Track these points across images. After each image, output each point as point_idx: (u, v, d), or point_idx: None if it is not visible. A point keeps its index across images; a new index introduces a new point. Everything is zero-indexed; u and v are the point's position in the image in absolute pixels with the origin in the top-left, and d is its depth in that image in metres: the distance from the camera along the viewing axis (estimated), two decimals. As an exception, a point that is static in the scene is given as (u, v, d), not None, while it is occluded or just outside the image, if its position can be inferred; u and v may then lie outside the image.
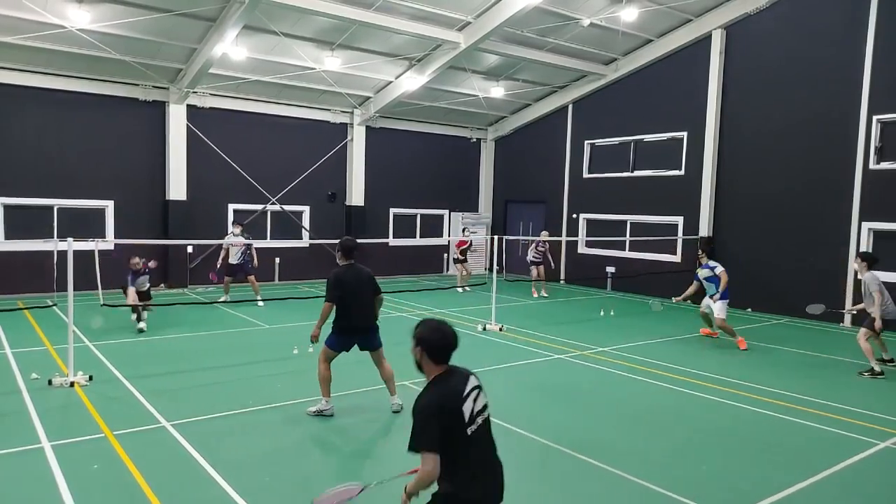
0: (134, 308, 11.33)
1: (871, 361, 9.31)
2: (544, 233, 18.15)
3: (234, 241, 14.25)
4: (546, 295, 17.08)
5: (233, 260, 14.26)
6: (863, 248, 13.17)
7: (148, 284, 11.77)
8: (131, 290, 11.17)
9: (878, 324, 9.14)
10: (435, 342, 3.35)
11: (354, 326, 7.00)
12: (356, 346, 7.13)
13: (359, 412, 7.13)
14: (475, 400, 3.32)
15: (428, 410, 3.19)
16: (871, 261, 9.54)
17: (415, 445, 3.17)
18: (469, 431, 3.24)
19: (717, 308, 10.96)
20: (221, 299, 14.06)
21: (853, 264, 10.05)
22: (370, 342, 7.12)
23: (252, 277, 14.34)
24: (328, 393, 6.99)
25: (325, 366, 7.00)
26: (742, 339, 10.86)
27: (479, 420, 3.31)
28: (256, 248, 15.43)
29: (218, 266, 14.46)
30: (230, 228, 14.98)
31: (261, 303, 13.60)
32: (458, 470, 3.21)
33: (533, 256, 17.23)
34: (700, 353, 10.47)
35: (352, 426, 6.68)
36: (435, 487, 3.26)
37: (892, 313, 9.37)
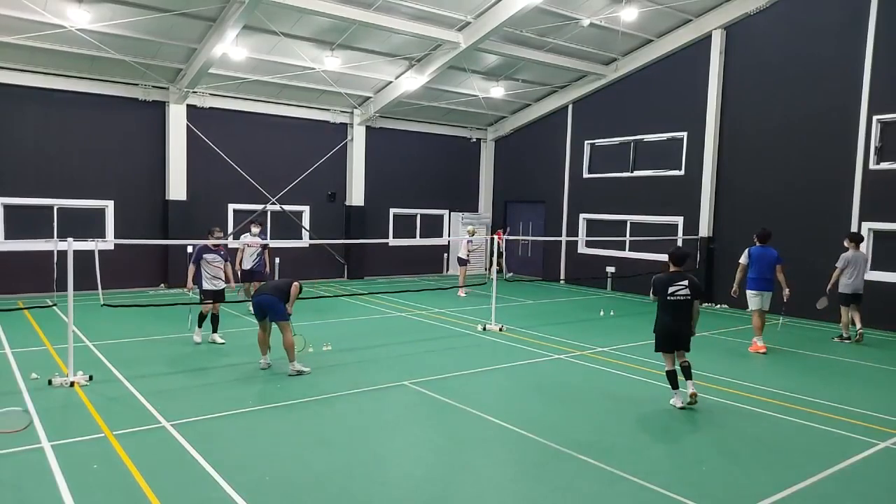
0: (203, 310, 9.92)
1: (843, 331, 11.68)
2: (470, 227, 17.63)
3: (249, 242, 13.02)
4: (465, 294, 16.38)
5: (246, 265, 13.08)
6: (862, 248, 13.19)
7: (222, 282, 10.03)
8: (191, 270, 9.71)
9: (829, 286, 11.63)
10: (673, 255, 7.47)
11: (257, 297, 8.58)
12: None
13: (367, 411, 7.13)
14: (679, 288, 7.25)
15: (653, 280, 7.44)
16: (857, 240, 11.61)
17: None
18: (669, 298, 7.24)
19: None
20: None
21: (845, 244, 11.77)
22: (273, 315, 8.47)
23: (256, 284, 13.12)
24: (264, 352, 8.75)
25: (259, 332, 8.69)
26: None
27: (677, 297, 7.22)
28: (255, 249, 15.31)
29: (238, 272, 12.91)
30: (251, 229, 13.48)
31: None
32: (660, 313, 7.44)
33: (466, 255, 16.86)
34: (699, 354, 10.44)
35: (356, 426, 6.67)
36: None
37: (848, 286, 11.46)
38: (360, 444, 6.17)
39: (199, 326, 10.19)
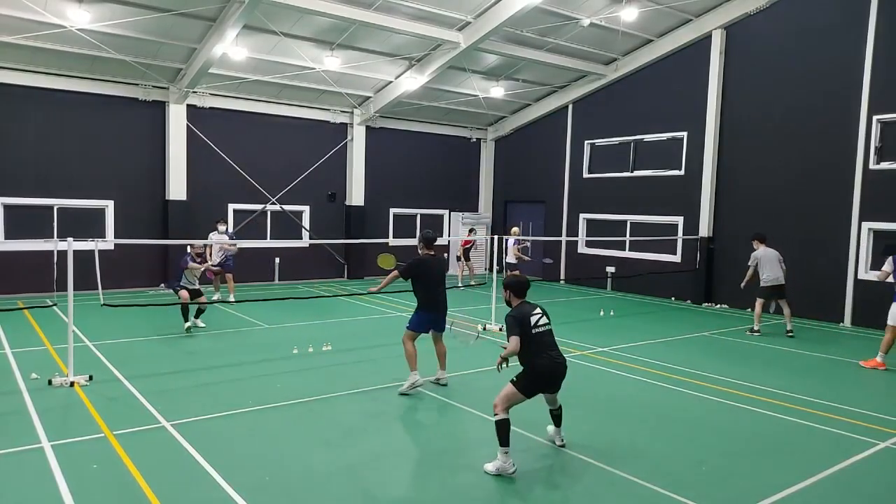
0: (183, 309, 11.09)
1: (755, 323, 12.20)
2: (515, 228, 17.00)
3: (216, 240, 13.91)
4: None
5: (215, 259, 13.95)
6: (863, 249, 13.23)
7: (197, 283, 11.49)
8: (183, 293, 11.05)
9: (743, 283, 12.30)
10: (516, 286, 5.89)
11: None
12: None
13: (367, 411, 7.13)
14: (539, 318, 5.73)
15: (510, 318, 5.66)
16: (762, 238, 12.24)
17: (507, 336, 5.58)
18: (534, 332, 5.63)
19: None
20: (215, 297, 14.10)
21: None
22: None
23: (230, 276, 14.29)
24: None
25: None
26: (877, 361, 9.61)
27: (542, 329, 5.70)
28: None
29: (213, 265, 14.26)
30: (218, 227, 14.52)
31: (231, 297, 13.82)
32: (533, 352, 5.61)
33: (515, 259, 16.34)
34: (700, 354, 10.47)
35: (356, 426, 6.67)
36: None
37: (767, 280, 11.94)
38: (361, 444, 6.16)
39: (186, 320, 11.11)
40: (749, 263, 12.21)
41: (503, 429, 5.43)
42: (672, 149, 17.03)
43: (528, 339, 5.61)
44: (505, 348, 5.53)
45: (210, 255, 14.21)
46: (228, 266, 14.35)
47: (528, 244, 16.43)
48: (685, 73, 16.48)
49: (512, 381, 5.61)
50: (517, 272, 15.75)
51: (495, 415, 5.47)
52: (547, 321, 5.83)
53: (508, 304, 5.96)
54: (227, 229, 14.95)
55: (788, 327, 11.99)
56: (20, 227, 14.57)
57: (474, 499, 5.09)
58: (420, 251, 8.16)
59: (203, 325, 11.48)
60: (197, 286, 11.42)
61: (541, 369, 5.63)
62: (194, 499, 4.94)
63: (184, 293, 11.12)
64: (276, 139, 18.05)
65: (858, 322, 13.30)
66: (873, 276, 12.18)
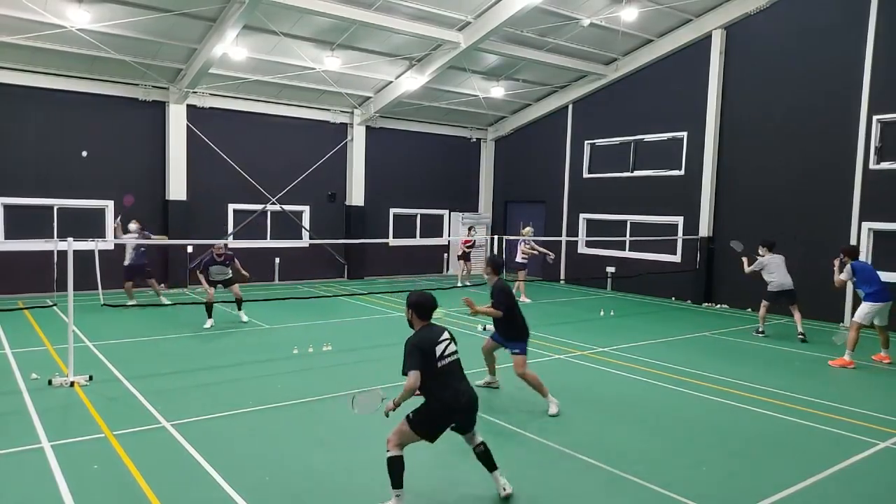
0: (208, 306, 11.37)
1: (760, 325, 12.18)
2: (528, 229, 16.81)
3: (125, 240, 13.05)
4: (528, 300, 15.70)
5: (126, 261, 13.40)
6: (862, 249, 13.19)
7: (230, 273, 11.73)
8: (209, 290, 11.37)
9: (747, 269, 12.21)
10: (420, 304, 4.92)
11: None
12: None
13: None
14: (447, 345, 4.81)
15: (411, 345, 4.71)
16: (769, 246, 12.22)
17: (404, 369, 4.67)
18: (439, 364, 4.70)
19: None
20: (130, 303, 13.08)
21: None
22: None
23: (152, 281, 13.77)
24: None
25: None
26: (845, 360, 9.75)
27: (449, 359, 4.79)
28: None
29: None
30: (129, 226, 13.41)
31: (165, 301, 13.26)
32: (435, 386, 4.69)
33: (523, 258, 16.19)
34: (701, 354, 10.46)
35: (356, 426, 6.67)
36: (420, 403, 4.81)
37: (773, 284, 11.85)
38: (361, 444, 6.16)
39: (210, 317, 11.48)
40: (755, 268, 12.07)
41: (395, 467, 4.65)
42: (672, 149, 17.03)
43: (430, 373, 4.65)
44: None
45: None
46: (142, 266, 13.57)
47: (536, 252, 16.29)
48: (685, 73, 16.48)
49: (407, 418, 4.74)
50: (524, 272, 16.06)
51: (387, 451, 4.70)
52: (455, 349, 4.87)
53: (410, 324, 4.97)
54: (137, 228, 13.42)
55: (799, 329, 11.66)
56: (20, 227, 14.57)
57: (473, 499, 5.09)
58: (488, 275, 7.75)
59: (246, 319, 11.98)
60: (230, 276, 11.72)
61: (443, 405, 4.70)
62: (194, 499, 4.94)
63: (210, 292, 11.43)
64: (276, 139, 18.05)
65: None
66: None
